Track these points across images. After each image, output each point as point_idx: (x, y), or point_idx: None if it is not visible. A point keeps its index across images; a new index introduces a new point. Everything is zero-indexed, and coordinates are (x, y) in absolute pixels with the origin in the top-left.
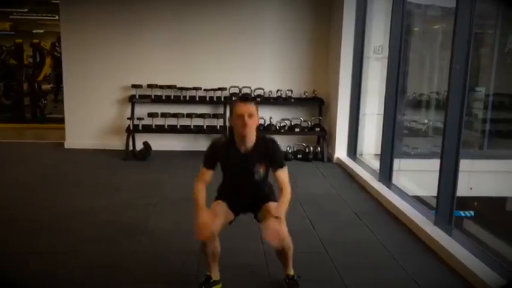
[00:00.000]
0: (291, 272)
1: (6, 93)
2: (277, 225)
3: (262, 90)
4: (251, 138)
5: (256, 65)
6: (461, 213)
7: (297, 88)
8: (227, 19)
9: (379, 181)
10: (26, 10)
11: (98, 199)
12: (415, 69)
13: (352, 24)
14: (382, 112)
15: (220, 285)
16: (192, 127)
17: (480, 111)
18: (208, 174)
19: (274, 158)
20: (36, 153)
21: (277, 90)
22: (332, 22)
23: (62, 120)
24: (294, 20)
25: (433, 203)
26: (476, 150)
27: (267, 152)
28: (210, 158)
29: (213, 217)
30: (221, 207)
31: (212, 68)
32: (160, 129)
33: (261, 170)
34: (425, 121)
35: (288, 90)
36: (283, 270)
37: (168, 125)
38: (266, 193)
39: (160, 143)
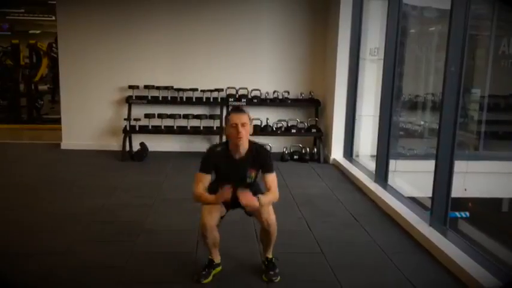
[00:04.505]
0: (270, 255)
1: (2, 93)
2: (267, 211)
3: (259, 91)
4: (244, 146)
5: (253, 66)
6: (457, 214)
7: (294, 89)
8: (224, 20)
9: (375, 182)
10: (22, 10)
11: (95, 200)
12: (410, 70)
13: (349, 26)
14: (378, 113)
15: (220, 267)
16: (188, 128)
17: (475, 112)
18: (206, 179)
19: (264, 164)
20: (32, 154)
21: (274, 91)
22: (329, 24)
23: (58, 121)
24: (291, 21)
25: (428, 203)
26: (472, 151)
27: (259, 159)
28: (206, 165)
29: (209, 213)
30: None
31: (209, 69)
32: (157, 130)
33: (253, 175)
34: (421, 122)
35: (284, 91)
36: (263, 252)
37: (164, 126)
38: (254, 190)
39: (157, 144)
